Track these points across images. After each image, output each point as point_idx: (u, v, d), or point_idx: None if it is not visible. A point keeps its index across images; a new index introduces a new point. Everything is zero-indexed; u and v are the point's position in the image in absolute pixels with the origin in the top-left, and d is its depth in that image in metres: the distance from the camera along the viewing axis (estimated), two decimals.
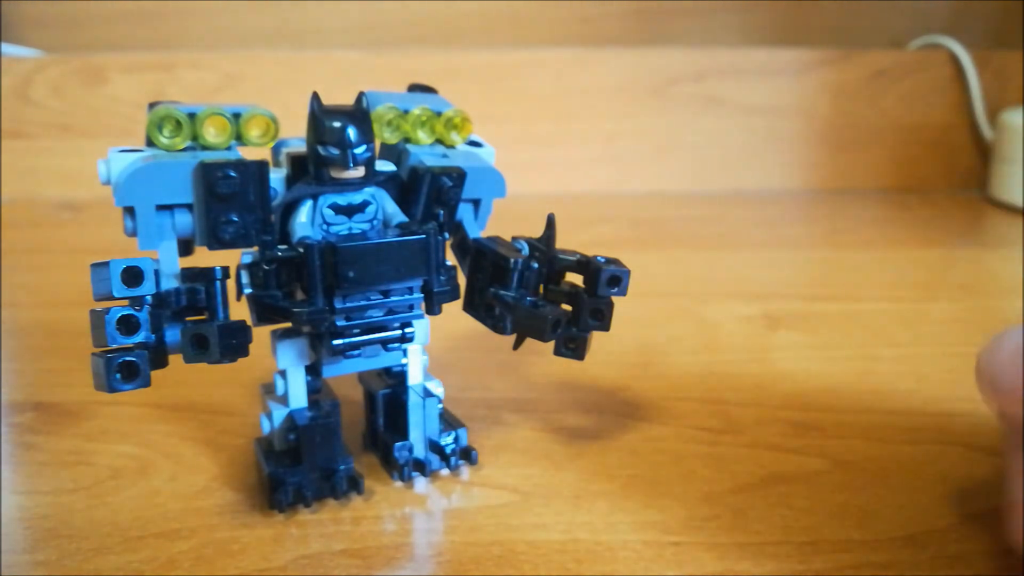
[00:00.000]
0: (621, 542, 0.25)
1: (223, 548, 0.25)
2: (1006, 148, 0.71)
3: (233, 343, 0.23)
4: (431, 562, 0.25)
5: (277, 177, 0.25)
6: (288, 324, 0.26)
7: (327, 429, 0.27)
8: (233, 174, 0.23)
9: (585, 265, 0.26)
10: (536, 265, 0.26)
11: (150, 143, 0.25)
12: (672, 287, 0.52)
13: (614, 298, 0.26)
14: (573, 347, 0.27)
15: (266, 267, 0.24)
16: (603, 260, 0.26)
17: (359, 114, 0.24)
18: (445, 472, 0.29)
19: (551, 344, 0.27)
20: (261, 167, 0.24)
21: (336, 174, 0.24)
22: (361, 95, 0.25)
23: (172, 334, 0.23)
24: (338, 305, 0.24)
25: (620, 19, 0.81)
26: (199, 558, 0.24)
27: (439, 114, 0.28)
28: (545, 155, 0.77)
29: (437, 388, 0.30)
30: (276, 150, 0.27)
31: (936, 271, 0.56)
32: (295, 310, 0.24)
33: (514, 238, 0.28)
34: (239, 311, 0.24)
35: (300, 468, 0.26)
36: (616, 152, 0.78)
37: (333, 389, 0.30)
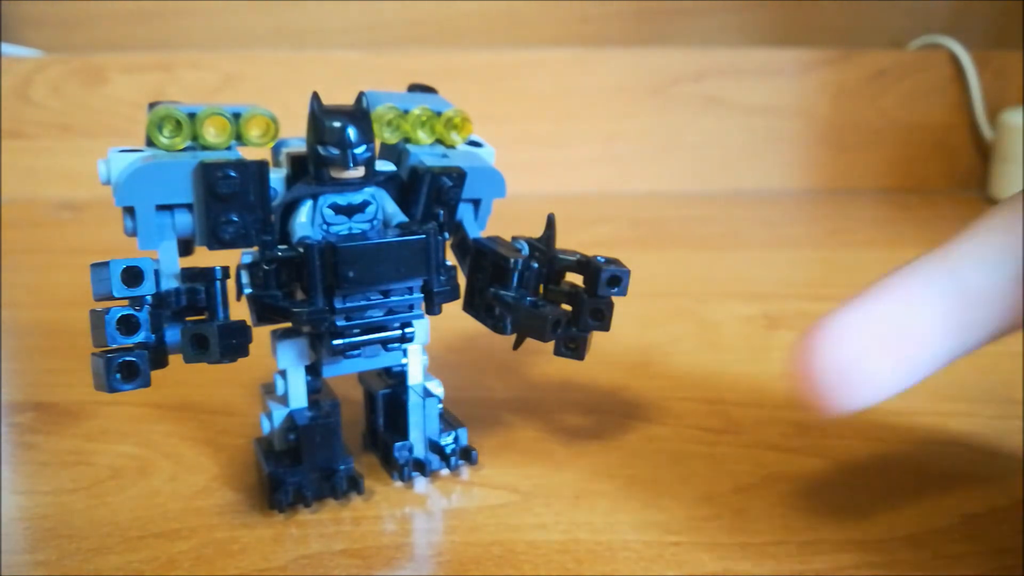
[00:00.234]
0: (621, 542, 0.25)
1: (223, 548, 0.25)
2: (1006, 148, 0.71)
3: (233, 343, 0.23)
4: (431, 562, 0.25)
5: (277, 177, 0.25)
6: (288, 324, 0.26)
7: (327, 429, 0.27)
8: (233, 174, 0.23)
9: (585, 265, 0.26)
10: (536, 265, 0.26)
11: (150, 143, 0.25)
12: (672, 287, 0.52)
13: (614, 298, 0.26)
14: (573, 347, 0.27)
15: (266, 267, 0.24)
16: (603, 260, 0.26)
17: (359, 114, 0.24)
18: (445, 472, 0.29)
19: (551, 344, 0.27)
20: (261, 167, 0.24)
21: (336, 174, 0.24)
22: (361, 95, 0.25)
23: (172, 334, 0.23)
24: (338, 305, 0.24)
25: (620, 19, 0.81)
26: (199, 558, 0.24)
27: (439, 114, 0.28)
28: (545, 155, 0.77)
29: (437, 388, 0.30)
30: (276, 150, 0.27)
31: None
32: (295, 310, 0.24)
33: (514, 238, 0.28)
34: (239, 311, 0.24)
35: (300, 468, 0.26)
36: (616, 152, 0.78)
37: (333, 389, 0.30)
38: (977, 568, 0.24)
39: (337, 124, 0.24)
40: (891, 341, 0.17)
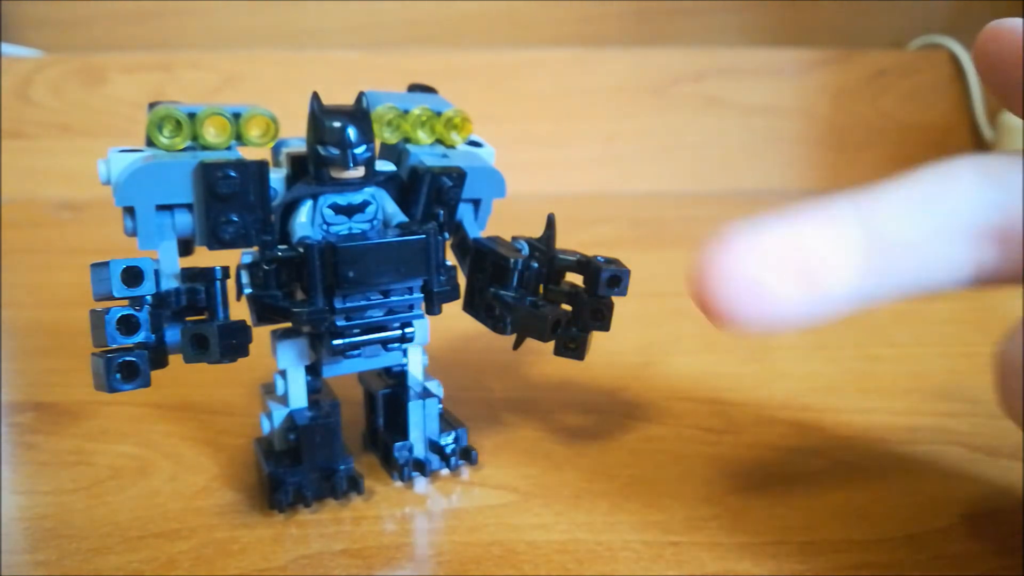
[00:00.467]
0: (621, 542, 0.25)
1: (223, 548, 0.25)
2: (1006, 148, 0.71)
3: (233, 343, 0.23)
4: (431, 562, 0.25)
5: (277, 177, 0.25)
6: (288, 324, 0.26)
7: (327, 429, 0.27)
8: (233, 174, 0.23)
9: (585, 265, 0.26)
10: (536, 265, 0.26)
11: (150, 143, 0.25)
12: (672, 287, 0.51)
13: (614, 298, 0.26)
14: (573, 347, 0.27)
15: (266, 267, 0.24)
16: (603, 260, 0.26)
17: (359, 114, 0.24)
18: (445, 472, 0.29)
19: (551, 344, 0.27)
20: (261, 167, 0.24)
21: (336, 174, 0.24)
22: (361, 95, 0.25)
23: (172, 334, 0.23)
24: (338, 305, 0.24)
25: (620, 19, 0.81)
26: (199, 558, 0.24)
27: (439, 114, 0.28)
28: (545, 155, 0.77)
29: (437, 388, 0.30)
30: (276, 150, 0.27)
31: None
32: (295, 310, 0.24)
33: (514, 238, 0.28)
34: (239, 311, 0.24)
35: (300, 468, 0.26)
36: (616, 152, 0.78)
37: (333, 389, 0.30)
38: (977, 568, 0.24)
39: (337, 124, 0.24)
40: (802, 264, 0.17)
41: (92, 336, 0.22)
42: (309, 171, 0.25)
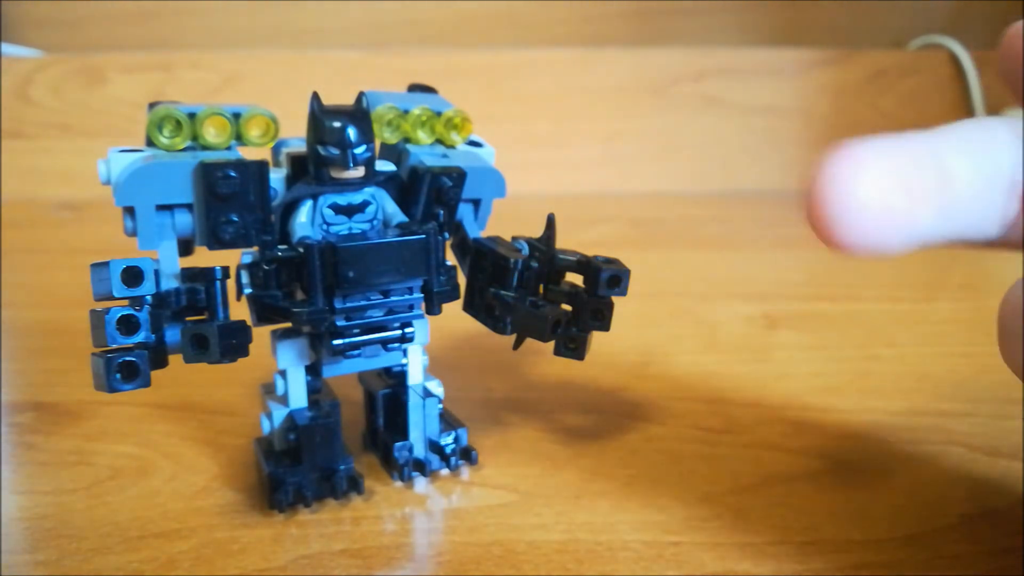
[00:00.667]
0: (621, 542, 0.25)
1: (223, 548, 0.25)
2: None
3: (233, 343, 0.23)
4: (431, 562, 0.25)
5: (277, 177, 0.25)
6: (288, 324, 0.26)
7: (327, 429, 0.27)
8: (233, 174, 0.23)
9: (585, 265, 0.26)
10: (536, 265, 0.26)
11: (150, 143, 0.25)
12: (672, 287, 0.52)
13: (614, 298, 0.26)
14: (573, 347, 0.27)
15: (266, 267, 0.24)
16: (603, 260, 0.26)
17: (359, 114, 0.24)
18: (445, 472, 0.29)
19: (551, 344, 0.27)
20: (261, 167, 0.24)
21: (336, 174, 0.24)
22: (361, 95, 0.25)
23: (172, 334, 0.23)
24: (338, 305, 0.24)
25: (620, 19, 0.81)
26: (199, 558, 0.24)
27: (439, 114, 0.28)
28: (545, 155, 0.77)
29: (437, 388, 0.30)
30: (276, 150, 0.27)
31: (936, 271, 0.56)
32: (295, 310, 0.24)
33: (514, 238, 0.28)
34: (239, 311, 0.24)
35: (300, 468, 0.26)
36: (616, 152, 0.78)
37: (333, 389, 0.30)
38: (977, 568, 0.24)
39: (337, 124, 0.24)
40: (915, 183, 0.16)
41: (92, 336, 0.22)
42: (309, 171, 0.25)
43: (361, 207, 0.25)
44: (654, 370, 0.38)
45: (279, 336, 0.27)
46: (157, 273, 0.23)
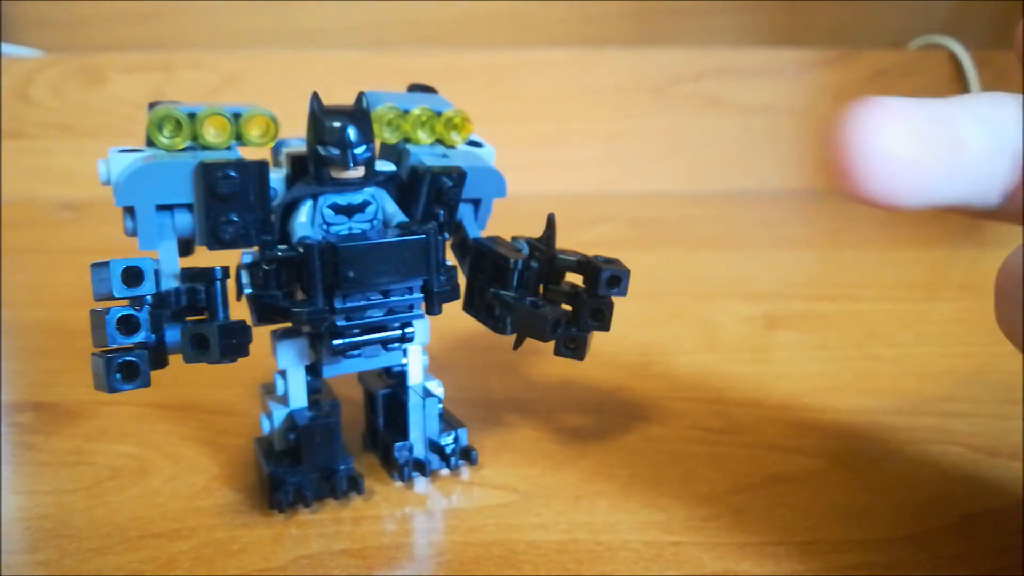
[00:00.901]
0: (621, 542, 0.25)
1: (223, 548, 0.25)
2: None
3: (233, 343, 0.23)
4: (431, 562, 0.25)
5: (277, 177, 0.25)
6: (288, 324, 0.26)
7: (327, 429, 0.27)
8: (233, 174, 0.23)
9: (585, 265, 0.26)
10: (536, 265, 0.26)
11: (150, 143, 0.25)
12: (672, 287, 0.52)
13: (614, 298, 0.26)
14: (573, 347, 0.27)
15: (266, 267, 0.24)
16: (603, 260, 0.26)
17: (359, 114, 0.24)
18: (445, 472, 0.29)
19: (551, 344, 0.27)
20: (261, 167, 0.24)
21: (336, 174, 0.24)
22: (361, 95, 0.25)
23: (172, 334, 0.23)
24: (338, 305, 0.24)
25: (620, 19, 0.81)
26: (199, 558, 0.24)
27: (439, 114, 0.28)
28: (545, 155, 0.77)
29: (437, 388, 0.30)
30: (276, 150, 0.27)
31: (936, 271, 0.56)
32: (295, 310, 0.24)
33: (514, 238, 0.28)
34: (239, 311, 0.24)
35: (300, 468, 0.26)
36: (616, 152, 0.78)
37: (333, 389, 0.30)
38: (977, 568, 0.24)
39: (337, 124, 0.24)
40: (932, 139, 0.17)
41: (92, 336, 0.22)
42: (309, 171, 0.25)
43: (361, 207, 0.25)
44: (654, 370, 0.38)
45: (279, 336, 0.27)
46: (157, 273, 0.23)
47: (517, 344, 0.27)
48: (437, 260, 0.25)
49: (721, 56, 0.76)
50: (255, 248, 0.25)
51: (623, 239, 0.64)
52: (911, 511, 0.27)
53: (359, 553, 0.25)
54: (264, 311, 0.24)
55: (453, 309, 0.27)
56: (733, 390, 0.36)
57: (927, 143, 0.17)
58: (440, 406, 0.29)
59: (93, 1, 0.78)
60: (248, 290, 0.25)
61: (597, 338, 0.27)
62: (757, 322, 0.45)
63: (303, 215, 0.25)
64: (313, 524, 0.26)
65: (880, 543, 0.25)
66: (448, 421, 0.30)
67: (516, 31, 0.80)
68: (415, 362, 0.29)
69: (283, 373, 0.27)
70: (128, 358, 0.22)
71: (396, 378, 0.30)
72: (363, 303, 0.25)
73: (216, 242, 0.24)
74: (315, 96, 0.24)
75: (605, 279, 0.26)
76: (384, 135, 0.27)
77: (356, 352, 0.26)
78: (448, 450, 0.29)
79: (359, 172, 0.24)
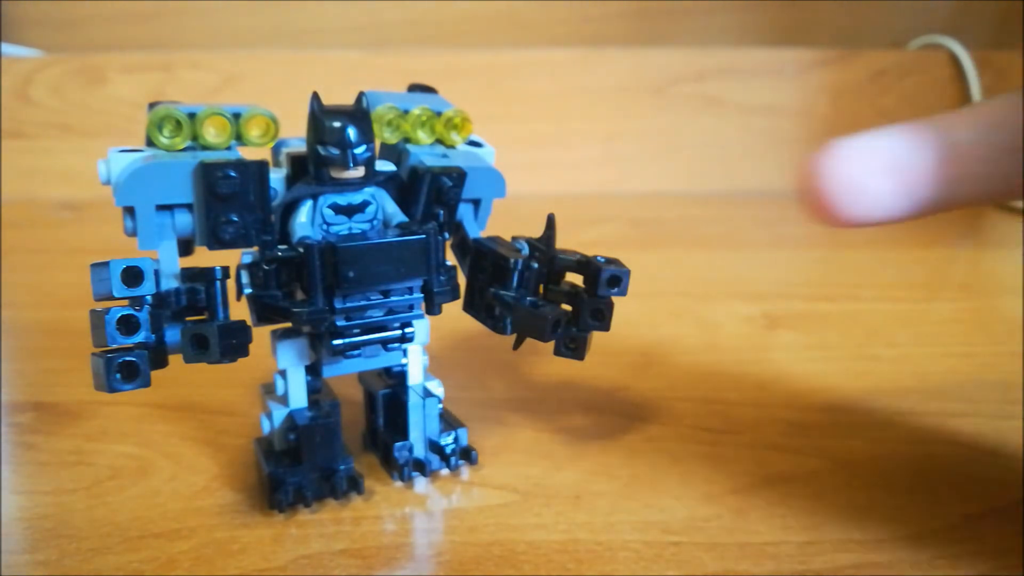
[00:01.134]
0: (621, 542, 0.25)
1: (223, 548, 0.25)
2: None
3: (233, 343, 0.23)
4: (431, 562, 0.25)
5: (277, 177, 0.25)
6: (288, 324, 0.26)
7: (327, 429, 0.27)
8: (233, 174, 0.23)
9: (585, 265, 0.26)
10: (536, 265, 0.26)
11: (150, 143, 0.25)
12: (672, 287, 0.52)
13: (614, 298, 0.26)
14: (573, 347, 0.27)
15: (266, 267, 0.24)
16: (603, 260, 0.26)
17: (359, 114, 0.24)
18: (445, 472, 0.29)
19: (551, 344, 0.27)
20: (261, 167, 0.24)
21: (336, 174, 0.24)
22: (361, 95, 0.25)
23: (172, 334, 0.23)
24: (338, 305, 0.24)
25: (620, 19, 0.81)
26: (199, 558, 0.24)
27: (439, 114, 0.28)
28: (545, 155, 0.77)
29: (437, 388, 0.30)
30: (276, 150, 0.27)
31: (936, 271, 0.56)
32: (295, 310, 0.24)
33: (514, 238, 0.28)
34: (239, 311, 0.24)
35: (300, 468, 0.26)
36: (616, 152, 0.78)
37: (333, 389, 0.30)
38: (977, 568, 0.24)
39: (337, 124, 0.24)
40: (892, 169, 0.21)
41: (92, 336, 0.22)
42: (309, 171, 0.25)
43: (361, 207, 0.25)
44: (654, 370, 0.38)
45: (279, 336, 0.27)
46: (157, 273, 0.23)
47: (517, 344, 0.27)
48: (437, 260, 0.25)
49: (721, 56, 0.76)
50: (255, 248, 0.25)
51: (623, 239, 0.64)
52: (911, 511, 0.27)
53: (359, 553, 0.25)
54: (264, 311, 0.24)
55: (453, 309, 0.27)
56: (733, 390, 0.36)
57: (887, 169, 0.20)
58: (440, 406, 0.29)
59: (93, 1, 0.78)
60: (248, 290, 0.25)
61: (597, 338, 0.27)
62: (757, 322, 0.45)
63: (303, 215, 0.25)
64: (313, 524, 0.26)
65: (880, 543, 0.25)
66: (448, 421, 0.30)
67: (516, 31, 0.80)
68: (415, 362, 0.29)
69: (283, 373, 0.27)
70: (128, 358, 0.22)
71: (396, 378, 0.30)
72: (363, 303, 0.25)
73: (216, 242, 0.24)
74: (315, 96, 0.24)
75: (605, 279, 0.26)
76: (384, 135, 0.27)
77: (356, 352, 0.26)
78: (448, 450, 0.29)
79: (359, 172, 0.24)
